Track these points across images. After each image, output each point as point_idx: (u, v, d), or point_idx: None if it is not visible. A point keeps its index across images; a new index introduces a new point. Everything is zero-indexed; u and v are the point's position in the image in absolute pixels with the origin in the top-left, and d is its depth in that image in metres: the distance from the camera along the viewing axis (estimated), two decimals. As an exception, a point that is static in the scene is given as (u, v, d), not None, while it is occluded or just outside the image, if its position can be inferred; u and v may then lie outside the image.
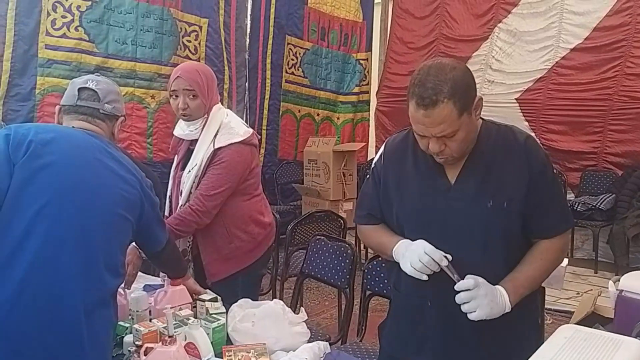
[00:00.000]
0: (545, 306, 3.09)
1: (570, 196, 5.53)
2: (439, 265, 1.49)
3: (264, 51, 5.99)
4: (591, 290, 4.48)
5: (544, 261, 1.57)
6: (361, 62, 7.02)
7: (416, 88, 1.44)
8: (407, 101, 1.48)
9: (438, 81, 1.41)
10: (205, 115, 2.28)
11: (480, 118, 1.60)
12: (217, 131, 2.27)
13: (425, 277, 1.50)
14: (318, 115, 6.75)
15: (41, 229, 1.35)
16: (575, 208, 5.20)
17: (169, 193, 2.50)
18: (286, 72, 6.29)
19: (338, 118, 6.96)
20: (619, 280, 2.19)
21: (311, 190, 5.55)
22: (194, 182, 2.27)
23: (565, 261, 2.88)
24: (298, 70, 6.45)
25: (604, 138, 5.46)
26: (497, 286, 1.49)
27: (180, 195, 2.34)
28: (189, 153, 2.36)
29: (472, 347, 1.60)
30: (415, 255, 1.51)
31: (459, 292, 1.46)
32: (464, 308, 1.45)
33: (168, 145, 5.07)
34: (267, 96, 6.06)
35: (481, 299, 1.44)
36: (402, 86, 6.60)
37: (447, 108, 1.41)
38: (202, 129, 2.28)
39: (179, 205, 2.33)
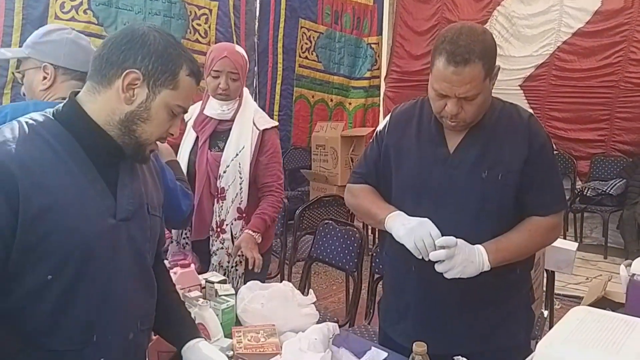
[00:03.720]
0: (554, 291, 3.08)
1: (579, 184, 5.47)
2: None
3: (274, 35, 5.92)
4: (600, 275, 4.46)
5: (532, 233, 1.59)
6: (372, 46, 6.95)
7: (447, 45, 1.44)
8: (432, 60, 1.49)
9: (470, 41, 1.43)
10: (238, 98, 2.36)
11: None
12: (254, 114, 2.38)
13: (420, 256, 1.50)
14: (332, 100, 6.70)
15: None
16: (584, 193, 5.16)
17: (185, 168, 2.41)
18: (300, 57, 6.22)
19: (350, 104, 6.90)
20: (630, 265, 2.16)
21: (319, 175, 5.54)
22: (250, 166, 2.34)
23: (575, 245, 2.87)
24: (312, 54, 6.37)
25: (611, 126, 5.37)
26: (477, 245, 1.51)
27: (220, 177, 2.33)
28: (216, 134, 2.38)
29: (453, 318, 1.62)
30: (420, 234, 1.48)
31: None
32: (438, 267, 1.47)
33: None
34: (278, 81, 6.01)
35: (456, 258, 1.46)
36: (407, 70, 6.55)
37: (476, 69, 1.43)
38: (237, 110, 2.36)
39: (226, 187, 2.33)
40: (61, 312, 1.08)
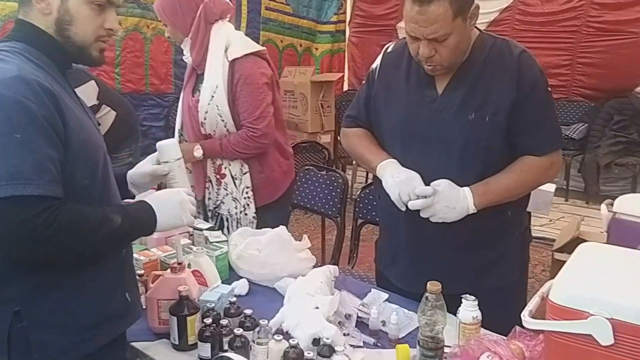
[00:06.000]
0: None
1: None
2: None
3: (237, -26, 5.66)
4: (563, 217, 4.65)
5: (524, 174, 1.59)
6: (338, -12, 6.73)
7: None
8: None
9: None
10: (191, 39, 2.17)
11: (477, 29, 1.58)
12: (227, 47, 2.15)
13: (404, 208, 1.55)
14: (301, 45, 6.45)
15: None
16: (547, 138, 5.24)
17: (178, 124, 2.40)
18: (266, -2, 5.89)
19: (317, 49, 6.69)
20: (612, 204, 2.23)
21: (288, 122, 5.39)
22: (229, 105, 2.15)
23: (553, 186, 2.93)
24: (279, -4, 6.04)
25: (573, 71, 5.42)
26: (465, 188, 1.53)
27: (202, 124, 2.22)
28: (195, 77, 2.28)
29: (444, 260, 1.64)
30: (407, 189, 1.53)
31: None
32: (422, 213, 1.51)
33: (137, 76, 4.96)
34: (243, 24, 5.72)
35: (436, 206, 1.49)
36: (372, 15, 6.41)
37: (442, 7, 1.39)
38: (194, 50, 2.19)
39: (212, 132, 2.23)
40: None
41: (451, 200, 1.50)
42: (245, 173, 2.24)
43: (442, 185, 1.51)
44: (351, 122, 1.83)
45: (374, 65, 1.77)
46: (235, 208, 2.27)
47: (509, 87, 1.53)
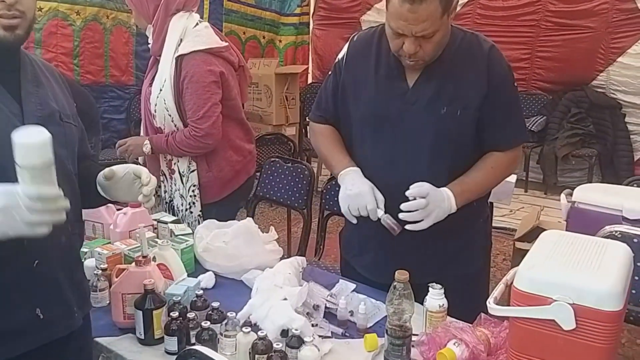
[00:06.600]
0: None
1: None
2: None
3: (197, -36, 5.54)
4: (523, 208, 4.73)
5: (495, 170, 1.61)
6: (302, -21, 6.68)
7: None
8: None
9: None
10: (152, 27, 2.15)
11: None
12: (181, 41, 2.11)
13: (354, 221, 1.57)
14: (264, 37, 6.38)
15: None
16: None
17: (142, 114, 2.37)
18: (228, -11, 5.79)
19: (280, 41, 6.62)
20: (570, 194, 2.29)
21: (253, 114, 5.37)
22: (174, 100, 2.11)
23: (514, 177, 2.99)
24: (242, -14, 5.95)
25: (532, 65, 5.52)
26: (444, 188, 1.53)
27: (154, 117, 2.19)
28: (156, 67, 2.22)
29: (411, 250, 1.64)
30: (356, 204, 1.54)
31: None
32: (417, 216, 1.49)
33: (96, 67, 4.84)
34: (205, 15, 5.63)
35: (430, 205, 1.48)
36: (336, 7, 6.39)
37: (433, 5, 1.38)
38: (154, 40, 2.17)
39: (162, 126, 2.20)
40: None
41: (438, 201, 1.50)
42: (192, 171, 2.20)
43: (426, 186, 1.50)
44: (319, 117, 1.79)
45: (340, 55, 1.74)
46: (182, 205, 2.24)
47: (480, 82, 1.54)
